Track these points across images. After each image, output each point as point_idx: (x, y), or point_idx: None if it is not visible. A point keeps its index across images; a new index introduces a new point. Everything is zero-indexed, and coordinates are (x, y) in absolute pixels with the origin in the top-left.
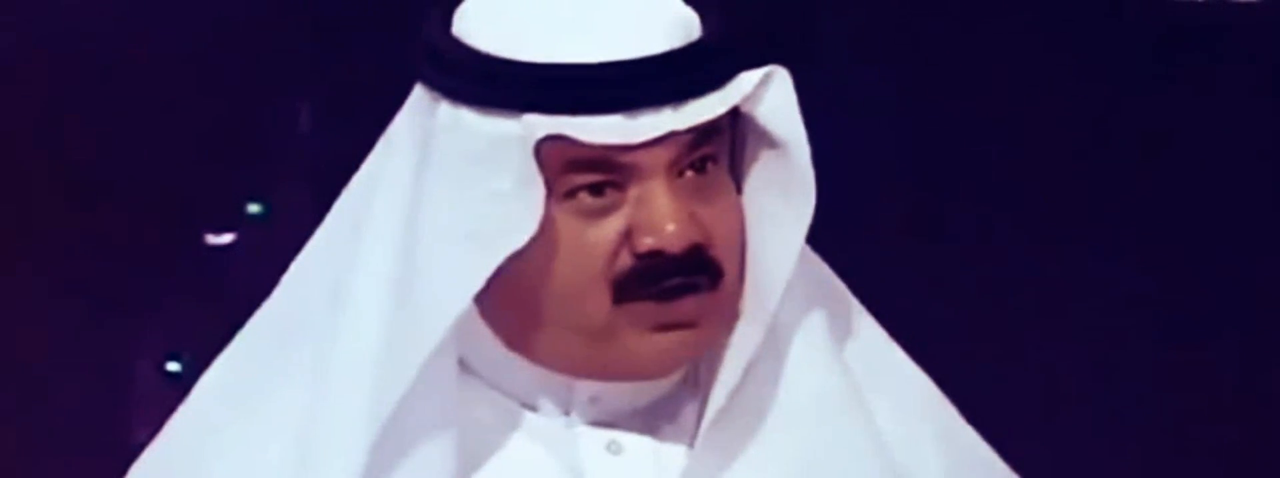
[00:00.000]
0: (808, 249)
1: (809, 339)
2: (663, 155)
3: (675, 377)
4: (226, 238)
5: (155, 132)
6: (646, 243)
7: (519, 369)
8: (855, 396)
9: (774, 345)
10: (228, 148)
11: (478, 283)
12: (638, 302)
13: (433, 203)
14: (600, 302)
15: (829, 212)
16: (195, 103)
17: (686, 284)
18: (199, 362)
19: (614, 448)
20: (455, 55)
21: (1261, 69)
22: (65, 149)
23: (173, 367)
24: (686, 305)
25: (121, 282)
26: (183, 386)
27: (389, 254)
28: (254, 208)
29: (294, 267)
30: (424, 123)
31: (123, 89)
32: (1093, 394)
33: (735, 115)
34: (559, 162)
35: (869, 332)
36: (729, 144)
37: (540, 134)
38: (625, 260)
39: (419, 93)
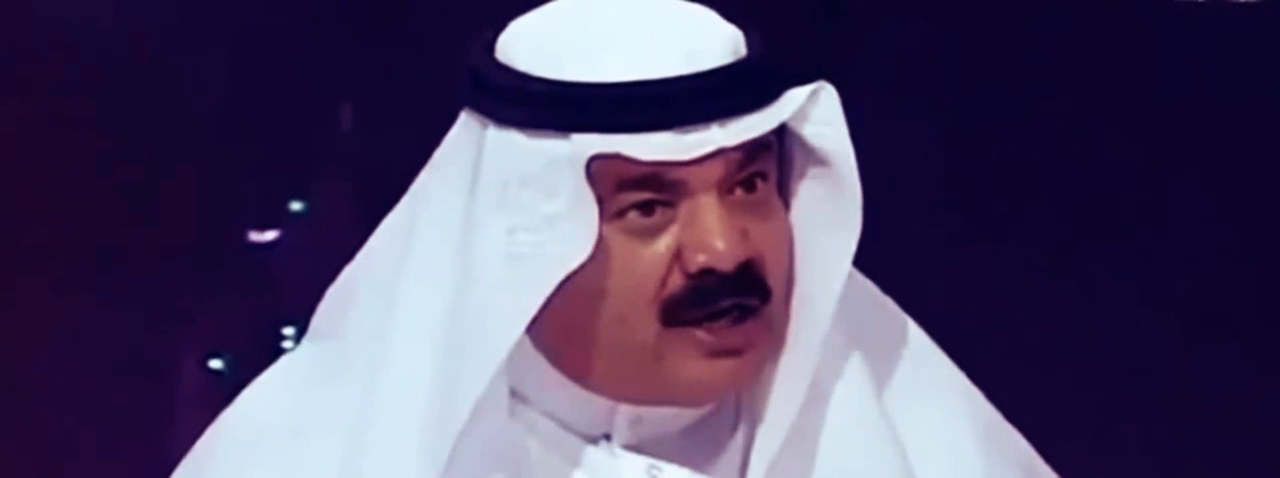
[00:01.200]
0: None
1: (855, 367)
2: (712, 173)
3: (720, 403)
4: (269, 236)
5: (199, 131)
6: (698, 261)
7: (563, 392)
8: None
9: (824, 370)
10: (270, 146)
11: (534, 306)
12: (686, 326)
13: (485, 228)
14: (649, 324)
15: (870, 229)
16: (239, 102)
17: (737, 306)
18: (242, 359)
19: (654, 473)
20: (501, 78)
21: (1261, 69)
22: (109, 150)
23: (216, 364)
24: (736, 334)
25: (165, 280)
26: (226, 383)
27: (441, 282)
28: (296, 206)
29: (335, 296)
30: (472, 148)
31: (167, 90)
32: (1131, 401)
33: (782, 133)
34: (609, 181)
35: (915, 345)
36: (777, 163)
37: (591, 152)
38: (676, 281)
39: (465, 119)
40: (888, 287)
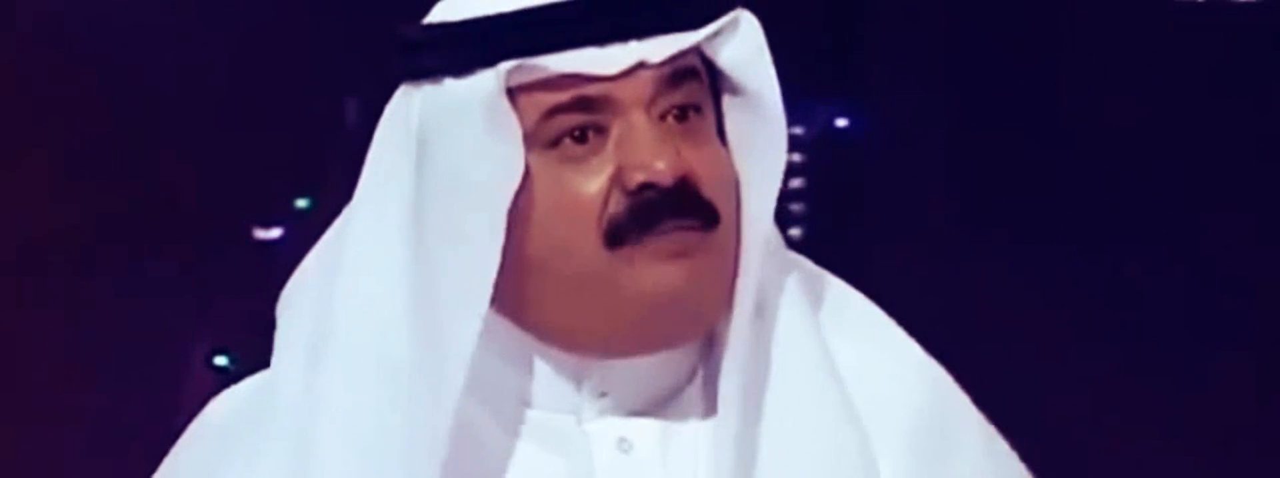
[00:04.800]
0: (783, 246)
1: (803, 324)
2: (640, 90)
3: (681, 362)
4: (274, 233)
5: (203, 129)
6: (636, 178)
7: (529, 363)
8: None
9: (767, 330)
10: (274, 144)
11: (495, 244)
12: (631, 245)
13: (433, 184)
14: (595, 250)
15: (872, 228)
16: (243, 100)
17: (677, 229)
18: (247, 356)
19: (624, 446)
20: (422, 34)
21: (1261, 69)
22: (113, 148)
23: (221, 361)
24: (680, 238)
25: (170, 277)
26: (231, 379)
27: (392, 252)
28: (301, 203)
29: (288, 299)
30: (409, 113)
31: (171, 88)
32: (1135, 397)
33: (713, 74)
34: (538, 110)
35: (862, 310)
36: (711, 100)
37: (509, 70)
38: (617, 202)
39: (400, 92)
40: (889, 285)
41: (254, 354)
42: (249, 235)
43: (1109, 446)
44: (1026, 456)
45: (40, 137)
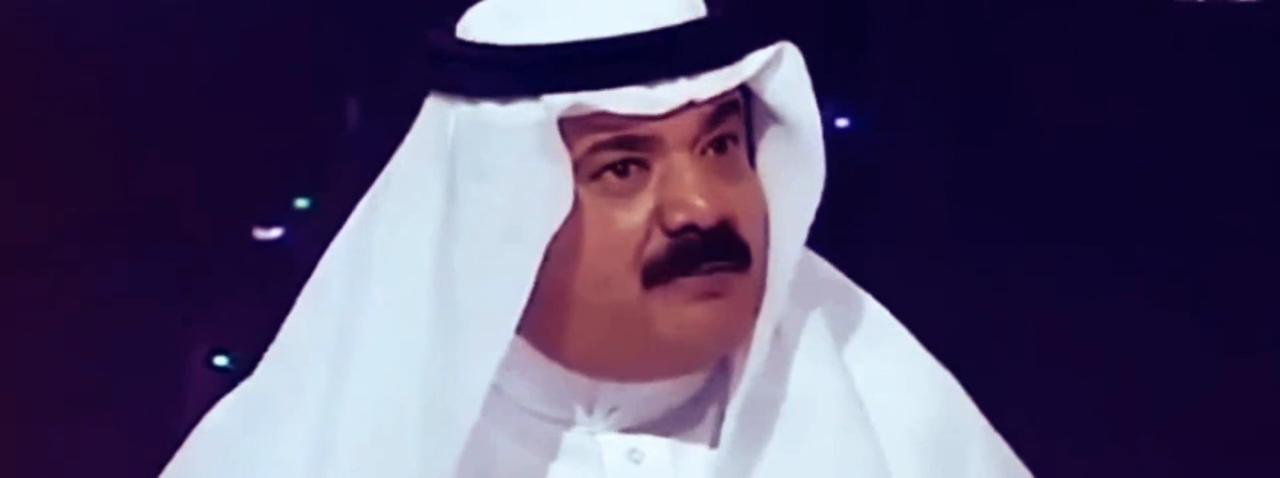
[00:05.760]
0: (806, 249)
1: (818, 338)
2: (685, 129)
3: (694, 382)
4: (274, 233)
5: (204, 129)
6: (677, 219)
7: (541, 377)
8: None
9: (786, 346)
10: (275, 143)
11: (530, 274)
12: (667, 283)
13: (467, 206)
14: (631, 287)
15: (875, 228)
16: (243, 100)
17: (716, 270)
18: (247, 356)
19: (635, 456)
20: (466, 53)
21: (1261, 69)
22: (113, 147)
23: (221, 361)
24: (715, 280)
25: (170, 277)
26: (231, 379)
27: (419, 272)
28: (301, 203)
29: (304, 302)
30: (443, 130)
31: (171, 87)
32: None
33: (748, 98)
34: (583, 143)
35: (875, 319)
36: (746, 126)
37: (562, 109)
38: (657, 241)
39: (432, 104)
40: (890, 285)
41: (254, 354)
42: (249, 235)
43: (1110, 448)
44: (1026, 456)
45: (39, 136)
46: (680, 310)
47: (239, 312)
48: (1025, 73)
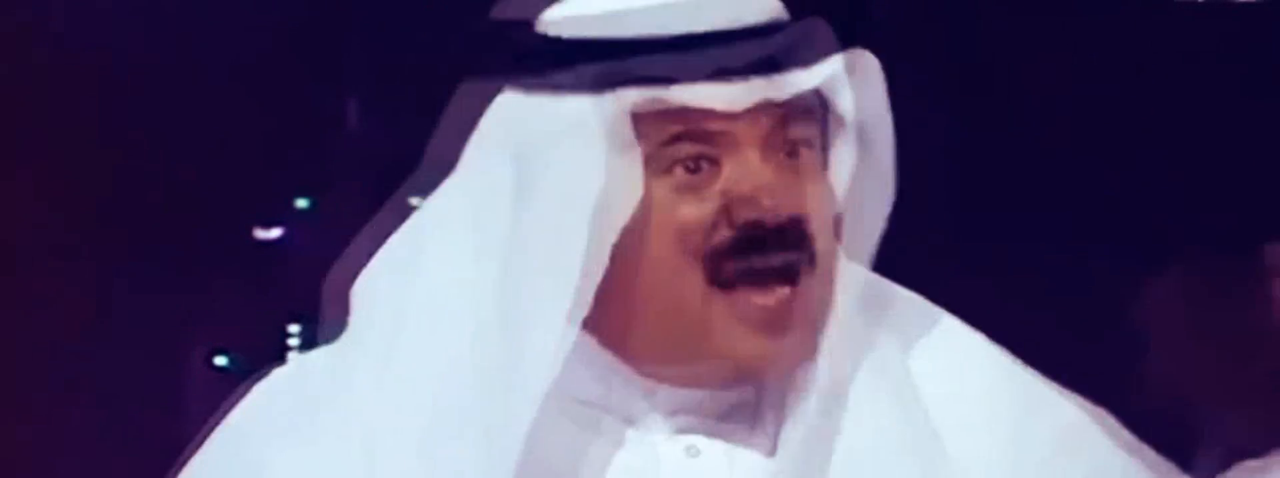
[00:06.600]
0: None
1: (886, 353)
2: (757, 127)
3: (751, 389)
4: (274, 233)
5: (204, 129)
6: (745, 214)
7: (606, 372)
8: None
9: (852, 358)
10: (275, 144)
11: (597, 267)
12: (735, 290)
13: (537, 196)
14: (696, 282)
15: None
16: (243, 100)
17: (785, 264)
18: (247, 356)
19: (692, 451)
20: (544, 45)
21: (1261, 69)
22: (113, 147)
23: (221, 361)
24: (785, 308)
25: (170, 277)
26: (231, 379)
27: (485, 260)
28: (301, 203)
29: (359, 294)
30: (516, 120)
31: (172, 88)
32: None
33: (823, 107)
34: (655, 137)
35: (945, 331)
36: (819, 135)
37: (634, 102)
38: (722, 234)
39: (505, 96)
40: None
41: (254, 354)
42: (249, 235)
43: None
44: None
45: (40, 136)
46: (746, 338)
47: (239, 312)
48: (1024, 73)
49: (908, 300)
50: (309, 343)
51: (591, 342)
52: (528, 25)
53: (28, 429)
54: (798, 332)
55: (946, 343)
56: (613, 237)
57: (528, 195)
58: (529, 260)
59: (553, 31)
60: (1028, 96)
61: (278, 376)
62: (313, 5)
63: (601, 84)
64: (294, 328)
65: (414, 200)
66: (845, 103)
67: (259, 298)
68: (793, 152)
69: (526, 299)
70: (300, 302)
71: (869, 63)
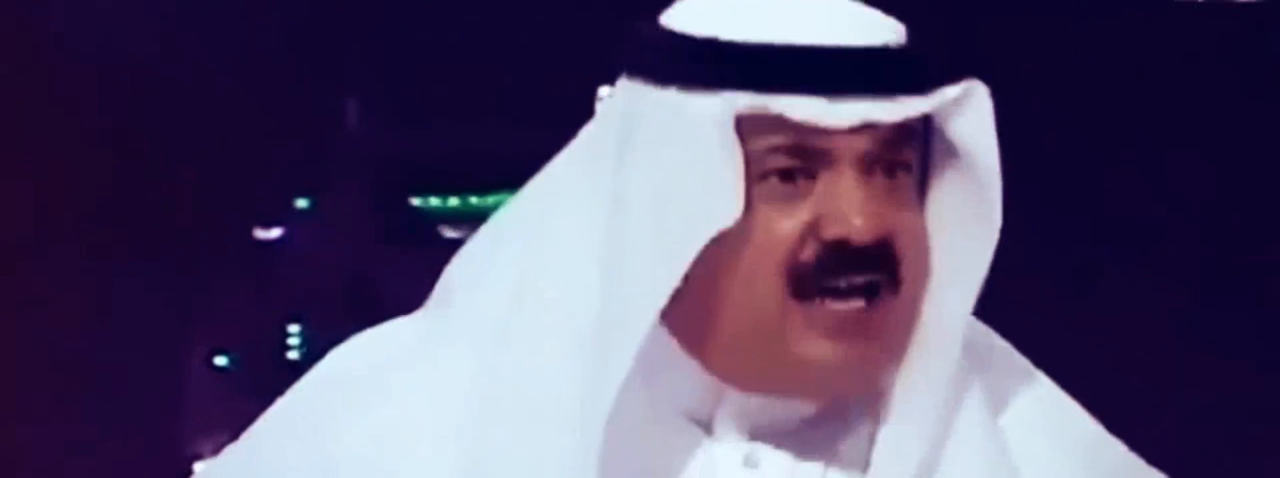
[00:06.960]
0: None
1: (970, 395)
2: (858, 146)
3: (820, 405)
4: (274, 233)
5: (204, 129)
6: (834, 231)
7: (677, 369)
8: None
9: (933, 396)
10: (275, 144)
11: (683, 264)
12: (814, 300)
13: (635, 190)
14: (776, 292)
15: None
16: (243, 100)
17: (868, 284)
18: (247, 356)
19: (750, 462)
20: (661, 39)
21: (1261, 69)
22: (114, 147)
23: (221, 361)
24: (864, 317)
25: (171, 277)
26: (231, 379)
27: (588, 247)
28: (301, 203)
29: (460, 269)
30: (626, 112)
31: (172, 88)
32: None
33: (928, 133)
34: (755, 144)
35: (1015, 363)
36: (920, 161)
37: (741, 106)
38: (809, 249)
39: (623, 85)
40: None
41: (254, 354)
42: (249, 235)
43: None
44: None
45: (40, 136)
46: (818, 342)
47: (239, 312)
48: (1024, 73)
49: (1005, 353)
50: (309, 343)
51: (671, 343)
52: (654, 19)
53: (28, 429)
54: (871, 345)
55: (1043, 409)
56: (700, 237)
57: (627, 183)
58: (623, 248)
59: (671, 25)
60: (1026, 97)
61: (381, 329)
62: (313, 5)
63: (711, 83)
64: (294, 328)
65: (414, 200)
66: (953, 133)
67: (259, 298)
68: (889, 173)
69: (612, 284)
70: (300, 302)
71: (981, 94)
